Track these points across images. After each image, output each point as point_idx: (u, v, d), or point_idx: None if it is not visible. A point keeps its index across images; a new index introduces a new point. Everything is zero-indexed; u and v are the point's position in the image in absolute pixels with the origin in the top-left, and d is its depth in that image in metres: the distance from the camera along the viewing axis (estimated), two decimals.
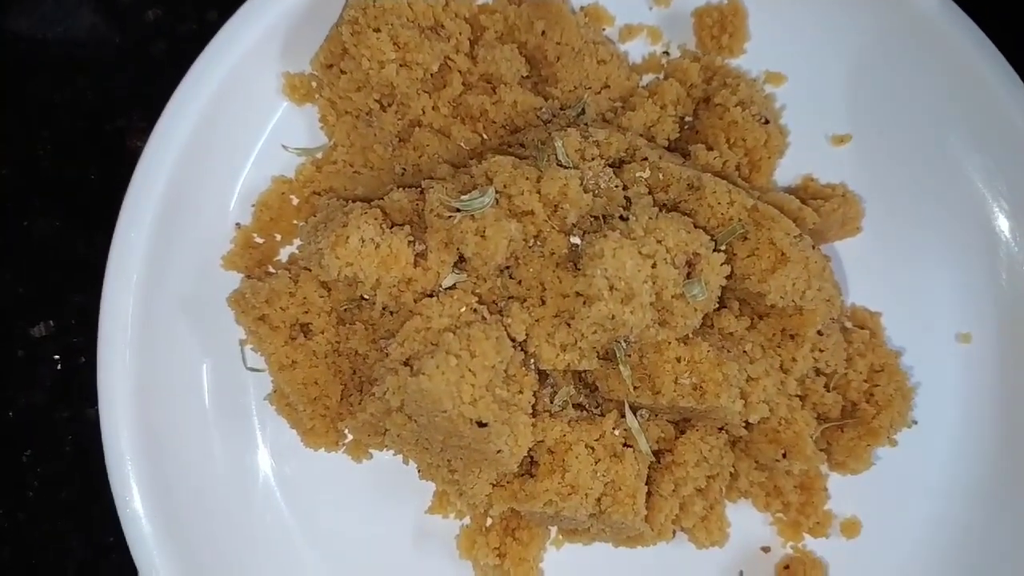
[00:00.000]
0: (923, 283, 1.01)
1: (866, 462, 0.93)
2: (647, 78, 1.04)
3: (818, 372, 0.94)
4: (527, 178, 0.84)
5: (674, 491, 0.90)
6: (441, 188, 0.85)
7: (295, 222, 1.00)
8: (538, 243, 0.85)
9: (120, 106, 1.11)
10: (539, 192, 0.83)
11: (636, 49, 1.04)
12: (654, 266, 0.79)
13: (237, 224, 0.98)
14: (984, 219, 0.99)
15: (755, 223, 0.85)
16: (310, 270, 0.89)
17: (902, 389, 0.94)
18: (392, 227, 0.86)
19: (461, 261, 0.87)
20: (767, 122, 0.97)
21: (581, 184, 0.84)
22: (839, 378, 0.94)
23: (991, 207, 0.99)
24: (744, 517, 0.98)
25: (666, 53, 1.04)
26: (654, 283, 0.80)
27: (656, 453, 0.90)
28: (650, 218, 0.82)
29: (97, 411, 0.91)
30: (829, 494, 0.98)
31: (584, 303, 0.82)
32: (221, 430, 0.96)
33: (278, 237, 1.00)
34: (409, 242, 0.85)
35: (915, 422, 0.97)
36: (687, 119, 1.02)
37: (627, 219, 0.82)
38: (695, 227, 0.83)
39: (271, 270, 0.99)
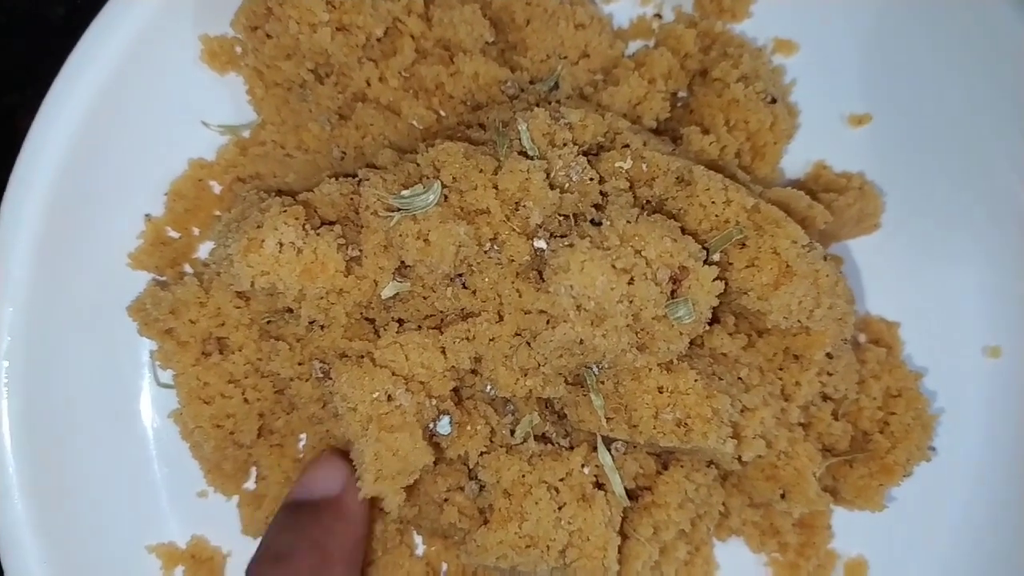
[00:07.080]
0: (948, 288, 0.88)
1: (878, 503, 0.81)
2: (634, 45, 0.90)
3: (825, 397, 0.81)
4: (481, 170, 0.70)
5: (654, 535, 0.77)
6: (379, 180, 0.71)
7: (216, 213, 0.86)
8: (495, 248, 0.71)
9: (10, 81, 0.97)
10: (496, 187, 0.69)
11: (622, 10, 0.90)
12: (631, 282, 0.65)
13: (147, 216, 0.85)
14: (1019, 215, 0.86)
15: (756, 227, 0.71)
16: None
17: (922, 418, 0.82)
18: (320, 227, 0.72)
19: (404, 267, 0.73)
20: (774, 101, 0.83)
21: (548, 177, 0.70)
22: (849, 404, 0.82)
23: None
24: (735, 558, 0.87)
25: (658, 16, 0.91)
26: (631, 303, 0.66)
27: (634, 491, 0.77)
28: (628, 222, 0.67)
29: None
30: (833, 532, 0.87)
31: (548, 324, 0.68)
32: (119, 471, 0.85)
33: (196, 231, 0.86)
34: (340, 245, 0.71)
35: (933, 449, 0.85)
36: (680, 95, 0.88)
37: (600, 223, 0.68)
38: (683, 233, 0.69)
39: (188, 270, 0.85)
